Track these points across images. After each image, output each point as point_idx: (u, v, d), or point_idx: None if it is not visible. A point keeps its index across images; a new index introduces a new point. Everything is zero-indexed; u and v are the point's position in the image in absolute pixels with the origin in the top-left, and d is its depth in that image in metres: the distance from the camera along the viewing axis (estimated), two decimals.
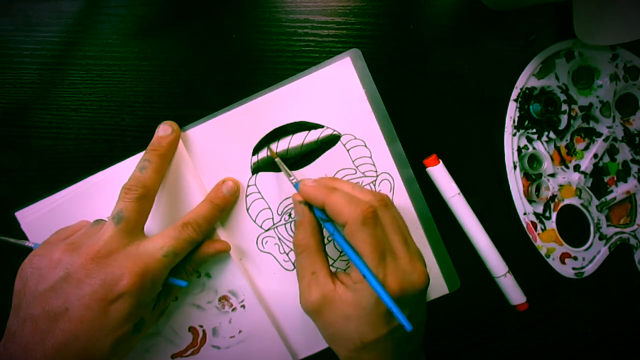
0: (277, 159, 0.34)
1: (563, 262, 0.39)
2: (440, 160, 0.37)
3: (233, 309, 0.37)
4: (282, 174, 0.36)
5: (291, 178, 0.33)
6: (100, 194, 0.35)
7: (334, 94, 0.35)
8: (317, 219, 0.32)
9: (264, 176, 0.36)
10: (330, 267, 0.37)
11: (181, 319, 0.36)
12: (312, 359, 0.38)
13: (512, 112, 0.38)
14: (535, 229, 0.38)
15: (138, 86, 0.37)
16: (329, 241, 0.37)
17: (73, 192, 0.35)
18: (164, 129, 0.34)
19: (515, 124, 0.38)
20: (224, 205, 0.35)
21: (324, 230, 0.33)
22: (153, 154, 0.33)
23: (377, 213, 0.29)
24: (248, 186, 0.36)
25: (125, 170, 0.35)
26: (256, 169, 0.36)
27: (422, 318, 0.32)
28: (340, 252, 0.37)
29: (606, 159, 0.41)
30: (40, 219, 0.35)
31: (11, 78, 0.36)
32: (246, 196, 0.36)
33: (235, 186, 0.35)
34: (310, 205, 0.31)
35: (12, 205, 0.36)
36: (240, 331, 0.37)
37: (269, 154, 0.36)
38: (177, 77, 0.37)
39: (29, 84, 0.36)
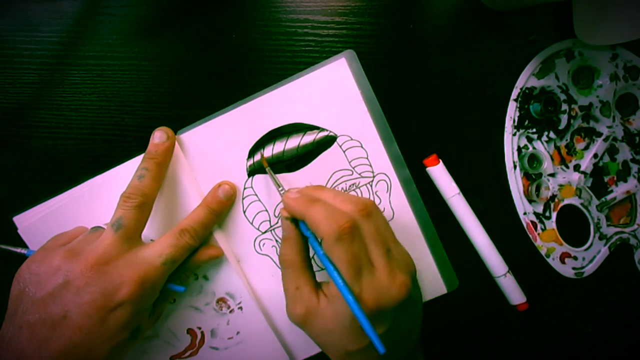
0: (267, 168, 0.34)
1: (563, 262, 0.39)
2: (441, 160, 0.37)
3: (231, 311, 0.37)
4: (278, 176, 0.36)
5: (280, 189, 0.33)
6: (97, 198, 0.35)
7: (330, 95, 0.35)
8: (302, 234, 0.31)
9: (260, 178, 0.36)
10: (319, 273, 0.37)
11: (179, 321, 0.36)
12: None
13: (512, 111, 0.38)
14: (535, 228, 0.38)
15: (138, 86, 0.37)
16: None
17: (69, 197, 0.35)
18: (160, 136, 0.34)
19: (515, 123, 0.38)
20: (221, 210, 0.35)
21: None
22: (150, 162, 0.33)
23: (356, 226, 0.28)
24: (245, 188, 0.36)
25: (122, 174, 0.35)
26: (252, 171, 0.36)
27: (410, 326, 0.31)
28: None
29: (606, 158, 0.41)
30: (36, 223, 0.35)
31: (11, 78, 0.36)
32: (243, 198, 0.36)
33: (232, 190, 0.35)
34: (296, 221, 0.31)
35: (11, 204, 0.36)
36: (238, 332, 0.37)
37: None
38: (177, 77, 0.37)
39: (29, 84, 0.36)
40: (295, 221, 0.31)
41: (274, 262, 0.37)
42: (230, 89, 0.36)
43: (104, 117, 0.37)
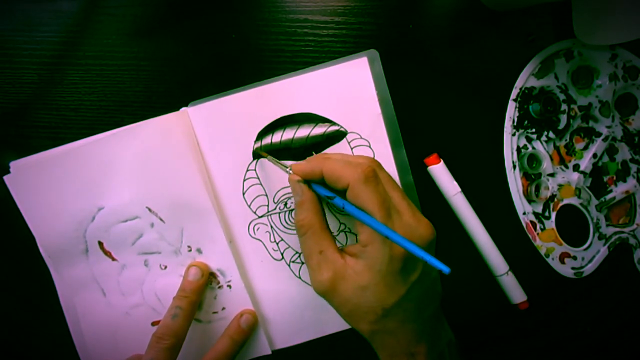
0: (268, 157, 0.34)
1: (562, 262, 0.39)
2: (442, 159, 0.37)
3: (219, 287, 0.37)
4: (283, 163, 0.36)
5: (287, 168, 0.32)
6: (92, 157, 0.35)
7: (346, 91, 0.35)
8: (318, 196, 0.31)
9: (264, 162, 0.36)
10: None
11: (167, 288, 0.36)
12: (288, 351, 0.38)
13: (511, 111, 0.38)
14: (535, 228, 0.39)
15: (137, 86, 0.37)
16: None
17: (66, 150, 0.35)
18: (195, 274, 0.35)
19: (515, 123, 0.38)
20: (244, 340, 0.36)
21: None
22: (184, 300, 0.34)
23: (376, 171, 0.29)
24: (247, 170, 0.36)
25: (122, 139, 0.34)
26: (258, 154, 0.36)
27: (436, 274, 0.31)
28: (339, 228, 0.37)
29: (605, 158, 0.41)
30: (27, 174, 0.35)
31: (10, 78, 0.36)
32: (244, 180, 0.36)
33: (253, 318, 0.36)
34: (308, 184, 0.31)
35: (12, 203, 0.36)
36: (223, 308, 0.37)
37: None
38: (176, 77, 0.37)
39: (28, 84, 0.36)
40: (308, 183, 0.31)
41: (266, 249, 0.37)
42: (229, 89, 0.36)
43: (104, 117, 0.37)
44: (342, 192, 0.30)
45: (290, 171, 0.32)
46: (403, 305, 0.28)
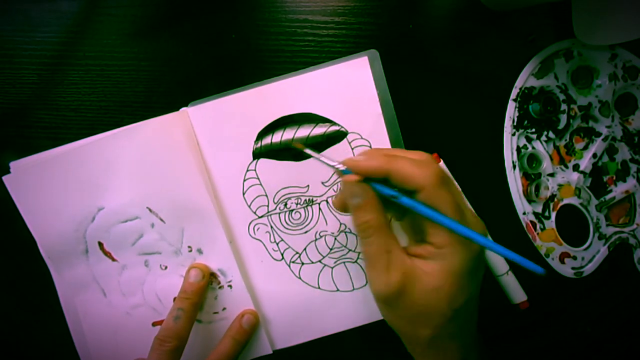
0: (309, 150, 0.31)
1: (562, 262, 0.39)
2: (442, 160, 0.37)
3: (220, 287, 0.37)
4: (284, 163, 0.36)
5: (335, 164, 0.28)
6: (92, 158, 0.35)
7: (346, 91, 0.36)
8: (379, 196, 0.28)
9: (264, 163, 0.36)
10: (329, 259, 0.37)
11: (167, 288, 0.36)
12: (288, 351, 0.38)
13: (511, 111, 0.38)
14: (535, 228, 0.39)
15: (138, 86, 0.37)
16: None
17: (66, 150, 0.35)
18: (195, 275, 0.35)
19: (515, 123, 0.38)
20: (246, 340, 0.36)
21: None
22: (186, 302, 0.34)
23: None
24: (247, 170, 0.36)
25: (122, 139, 0.34)
26: (258, 154, 0.36)
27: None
28: (339, 228, 0.37)
29: (605, 158, 0.41)
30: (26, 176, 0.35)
31: (11, 78, 0.36)
32: (244, 180, 0.36)
33: (255, 318, 0.36)
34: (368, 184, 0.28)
35: (12, 205, 0.36)
36: (224, 308, 0.37)
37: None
38: (176, 77, 0.37)
39: (28, 84, 0.36)
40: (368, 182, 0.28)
41: (266, 249, 0.37)
42: (229, 89, 0.36)
43: (104, 118, 0.37)
44: (405, 191, 0.28)
45: (341, 167, 0.28)
46: (468, 305, 0.28)
